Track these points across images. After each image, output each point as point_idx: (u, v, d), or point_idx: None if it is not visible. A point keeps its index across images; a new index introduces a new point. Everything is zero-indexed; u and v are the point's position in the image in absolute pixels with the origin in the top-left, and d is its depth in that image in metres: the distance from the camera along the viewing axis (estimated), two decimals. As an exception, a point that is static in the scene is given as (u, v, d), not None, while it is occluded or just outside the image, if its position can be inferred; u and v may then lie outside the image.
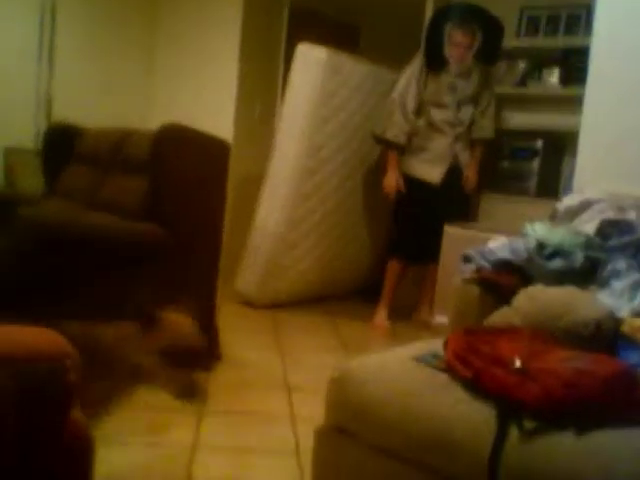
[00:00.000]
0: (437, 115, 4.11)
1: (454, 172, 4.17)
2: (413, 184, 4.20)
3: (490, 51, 4.10)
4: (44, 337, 1.10)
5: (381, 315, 4.28)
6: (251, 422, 2.58)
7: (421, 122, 4.14)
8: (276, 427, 2.55)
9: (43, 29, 4.77)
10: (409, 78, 4.12)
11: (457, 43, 4.00)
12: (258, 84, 5.31)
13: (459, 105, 4.11)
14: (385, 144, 4.23)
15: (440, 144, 4.14)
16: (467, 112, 4.13)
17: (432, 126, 4.12)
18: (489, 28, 4.04)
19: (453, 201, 4.12)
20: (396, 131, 4.10)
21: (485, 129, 4.21)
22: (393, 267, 4.31)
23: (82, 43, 5.06)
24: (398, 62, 4.27)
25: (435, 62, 4.07)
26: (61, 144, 3.74)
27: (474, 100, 4.14)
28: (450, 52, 4.02)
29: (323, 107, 4.23)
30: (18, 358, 1.00)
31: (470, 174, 4.21)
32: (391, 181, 4.19)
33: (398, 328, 4.18)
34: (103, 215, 3.09)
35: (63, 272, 2.53)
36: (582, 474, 1.39)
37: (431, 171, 4.15)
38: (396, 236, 4.43)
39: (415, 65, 4.13)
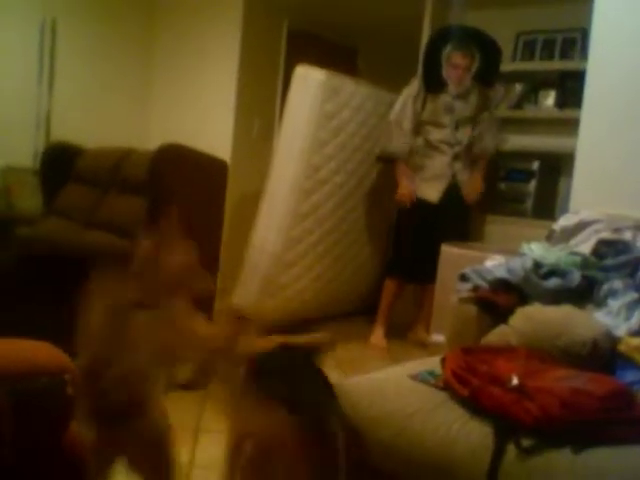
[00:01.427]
0: (435, 135, 4.14)
1: (453, 191, 4.17)
2: (412, 203, 4.21)
3: (488, 73, 4.14)
4: (43, 351, 1.10)
5: (378, 334, 4.28)
6: (247, 442, 2.56)
7: (419, 141, 4.17)
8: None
9: (43, 49, 4.81)
10: (405, 99, 4.17)
11: (456, 65, 4.04)
12: (256, 104, 5.34)
13: (457, 125, 4.13)
14: (390, 158, 4.24)
15: (438, 163, 4.15)
16: (465, 132, 4.15)
17: (430, 145, 4.15)
18: (487, 50, 4.09)
19: (451, 220, 4.12)
20: (398, 143, 4.16)
21: (486, 144, 4.21)
22: (389, 286, 4.32)
23: (81, 63, 5.09)
24: (396, 83, 4.30)
25: (433, 84, 4.11)
26: (60, 164, 3.76)
27: (472, 121, 4.16)
28: (448, 74, 4.06)
29: (322, 129, 4.26)
30: (18, 372, 1.00)
31: (472, 185, 4.20)
32: (406, 189, 4.18)
33: (394, 347, 4.17)
34: (101, 234, 3.10)
35: (58, 291, 2.53)
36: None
37: (429, 190, 4.17)
38: (393, 254, 4.44)
39: (412, 87, 4.17)
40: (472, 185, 4.20)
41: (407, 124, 4.13)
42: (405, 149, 4.16)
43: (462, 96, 4.12)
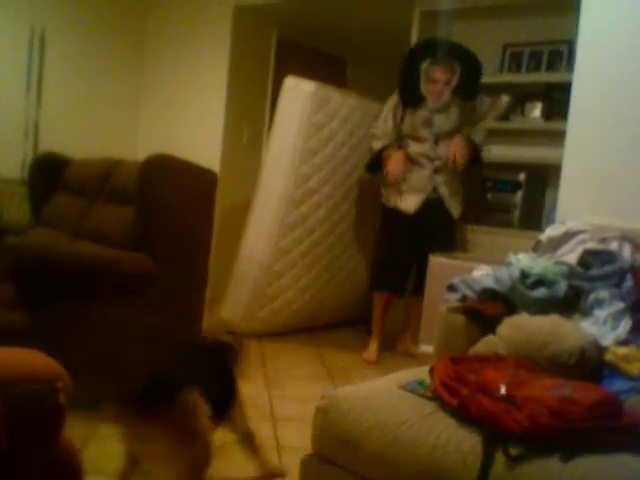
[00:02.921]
0: (415, 148, 4.12)
1: (434, 203, 4.13)
2: (392, 214, 4.21)
3: (469, 87, 4.11)
4: (35, 359, 1.10)
5: (371, 350, 4.24)
6: (237, 452, 2.56)
7: None
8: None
9: (32, 58, 4.81)
10: (387, 113, 4.19)
11: (435, 80, 4.01)
12: (245, 114, 5.36)
13: (437, 139, 4.10)
14: (378, 158, 4.17)
15: (419, 176, 4.12)
16: (445, 147, 4.09)
17: (410, 159, 4.12)
18: (467, 64, 4.06)
19: (435, 233, 4.10)
20: (381, 142, 4.16)
21: (471, 134, 4.13)
22: (377, 300, 4.30)
23: (70, 73, 5.09)
24: (385, 94, 4.32)
25: (411, 98, 4.09)
26: (48, 174, 3.74)
27: (452, 136, 4.09)
28: (427, 88, 4.03)
29: (310, 139, 4.28)
30: (9, 379, 1.00)
31: (455, 146, 4.03)
32: (393, 164, 4.07)
33: (383, 358, 4.18)
34: (89, 245, 3.09)
35: (49, 301, 2.52)
36: (568, 501, 1.40)
37: (406, 201, 4.14)
38: (378, 267, 4.45)
39: (393, 99, 4.18)
40: (454, 146, 4.04)
41: (386, 137, 4.16)
42: (388, 142, 4.14)
43: (441, 110, 4.09)
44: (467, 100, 4.16)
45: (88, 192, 3.44)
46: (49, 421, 1.04)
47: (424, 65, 4.02)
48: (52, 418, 1.04)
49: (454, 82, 4.04)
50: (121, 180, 3.25)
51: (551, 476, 1.44)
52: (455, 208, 4.21)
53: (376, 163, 4.22)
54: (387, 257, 4.32)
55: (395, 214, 4.19)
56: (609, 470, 1.44)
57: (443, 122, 4.10)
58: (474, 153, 4.12)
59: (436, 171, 4.12)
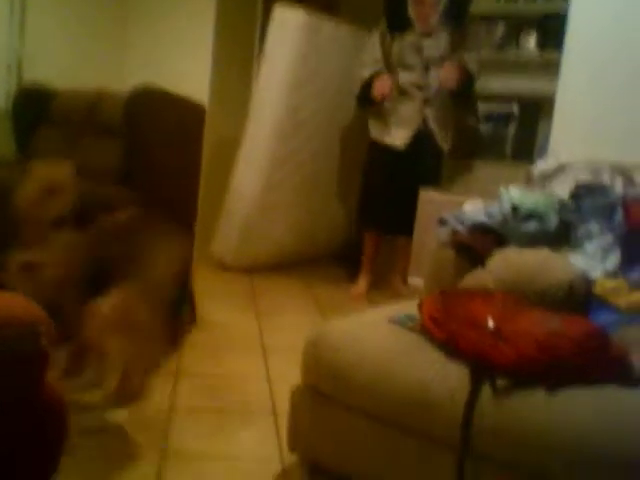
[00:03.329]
0: (404, 77, 3.97)
1: (423, 137, 4.00)
2: (379, 149, 4.07)
3: (457, 10, 3.95)
4: (17, 303, 1.09)
5: (359, 286, 4.20)
6: (228, 384, 2.59)
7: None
8: (253, 388, 2.57)
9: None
10: (374, 40, 4.02)
11: (422, 1, 3.85)
12: (235, 45, 5.23)
13: (427, 67, 3.95)
14: (369, 87, 3.97)
15: (408, 108, 3.98)
16: (435, 75, 3.93)
17: (400, 89, 3.97)
18: None
19: (423, 168, 3.98)
20: (370, 69, 3.98)
21: (462, 58, 3.94)
22: (367, 238, 4.22)
23: (54, 2, 4.94)
24: (378, 21, 4.19)
25: (398, 22, 3.93)
26: (32, 106, 3.66)
27: (443, 62, 3.92)
28: (414, 11, 3.88)
29: (301, 69, 4.19)
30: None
31: (446, 71, 3.87)
32: (383, 81, 3.91)
33: (372, 295, 4.16)
34: (77, 179, 3.05)
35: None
36: (555, 431, 1.42)
37: (395, 135, 4.01)
38: (360, 203, 4.28)
39: (380, 27, 4.01)
40: (444, 70, 3.89)
41: (378, 63, 3.98)
42: (378, 69, 3.96)
43: (430, 35, 3.92)
44: (457, 26, 3.98)
45: (74, 125, 3.38)
46: (31, 366, 1.03)
47: None
48: (34, 362, 1.04)
49: (442, 4, 3.88)
50: (107, 113, 3.19)
51: (537, 409, 1.46)
52: (445, 142, 4.08)
53: (367, 93, 4.03)
54: (371, 194, 4.16)
55: (382, 149, 4.05)
56: (595, 403, 1.46)
57: (432, 47, 3.93)
58: (466, 80, 3.94)
59: (426, 102, 3.98)
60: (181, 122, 3.06)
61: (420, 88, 3.97)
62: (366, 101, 4.08)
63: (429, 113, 4.01)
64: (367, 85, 3.99)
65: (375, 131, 4.11)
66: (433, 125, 4.02)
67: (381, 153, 4.07)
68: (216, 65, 5.09)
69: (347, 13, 5.21)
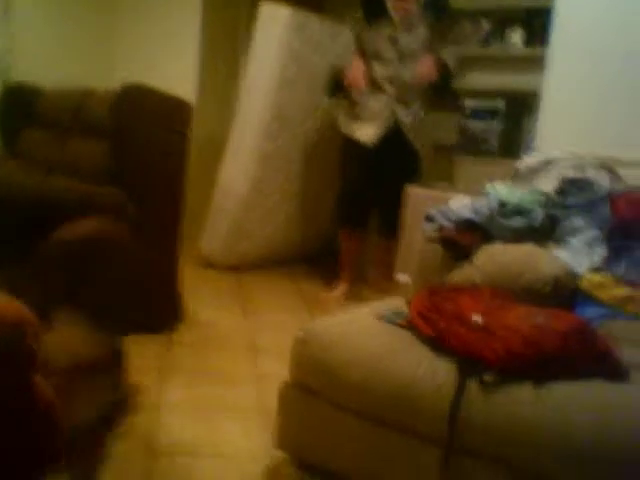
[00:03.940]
0: (378, 71, 3.77)
1: (395, 135, 3.81)
2: (351, 144, 3.88)
3: (438, 3, 3.82)
4: (4, 304, 1.09)
5: (339, 289, 4.01)
6: (215, 381, 2.59)
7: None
8: (240, 386, 2.57)
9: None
10: (349, 30, 3.88)
11: None
12: (221, 43, 5.22)
13: (402, 60, 3.76)
14: (338, 76, 3.79)
15: (378, 102, 3.79)
16: (411, 69, 3.74)
17: (374, 83, 3.77)
18: None
19: (397, 165, 3.81)
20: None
21: (440, 54, 3.77)
22: (343, 236, 4.03)
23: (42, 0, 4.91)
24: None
25: (374, 12, 3.76)
26: (19, 105, 3.64)
27: (420, 56, 3.73)
28: (392, 3, 3.72)
29: (287, 67, 4.19)
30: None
31: (423, 64, 3.70)
32: (355, 69, 3.69)
33: (357, 289, 4.07)
34: (63, 179, 3.04)
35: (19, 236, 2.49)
36: (541, 425, 1.44)
37: (363, 130, 3.82)
38: (337, 202, 4.12)
39: (355, 17, 3.85)
40: (421, 64, 3.71)
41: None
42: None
43: (408, 28, 3.74)
44: (438, 20, 3.83)
45: (61, 124, 3.36)
46: (17, 366, 1.03)
47: None
48: (20, 363, 1.03)
49: None
50: (95, 111, 3.17)
51: (524, 404, 1.47)
52: (418, 141, 3.89)
53: (336, 83, 3.84)
54: (344, 190, 4.01)
55: (354, 144, 3.86)
56: (582, 397, 1.47)
57: (410, 41, 3.76)
58: (444, 75, 3.78)
59: (398, 98, 3.79)
60: (168, 120, 3.06)
61: (392, 82, 3.79)
62: (336, 89, 3.90)
63: (400, 110, 3.81)
64: (338, 71, 3.82)
65: (344, 125, 3.93)
66: (405, 122, 3.83)
67: (354, 148, 3.88)
68: (203, 63, 5.09)
69: (331, 11, 5.20)
